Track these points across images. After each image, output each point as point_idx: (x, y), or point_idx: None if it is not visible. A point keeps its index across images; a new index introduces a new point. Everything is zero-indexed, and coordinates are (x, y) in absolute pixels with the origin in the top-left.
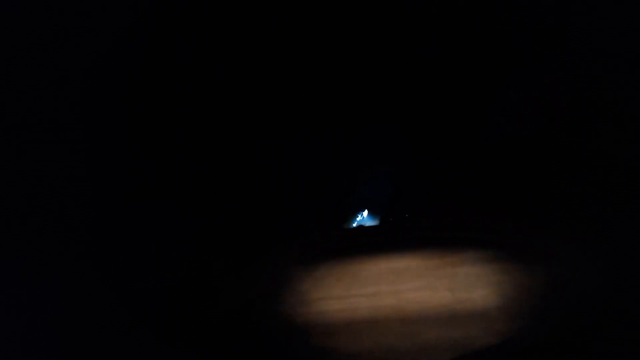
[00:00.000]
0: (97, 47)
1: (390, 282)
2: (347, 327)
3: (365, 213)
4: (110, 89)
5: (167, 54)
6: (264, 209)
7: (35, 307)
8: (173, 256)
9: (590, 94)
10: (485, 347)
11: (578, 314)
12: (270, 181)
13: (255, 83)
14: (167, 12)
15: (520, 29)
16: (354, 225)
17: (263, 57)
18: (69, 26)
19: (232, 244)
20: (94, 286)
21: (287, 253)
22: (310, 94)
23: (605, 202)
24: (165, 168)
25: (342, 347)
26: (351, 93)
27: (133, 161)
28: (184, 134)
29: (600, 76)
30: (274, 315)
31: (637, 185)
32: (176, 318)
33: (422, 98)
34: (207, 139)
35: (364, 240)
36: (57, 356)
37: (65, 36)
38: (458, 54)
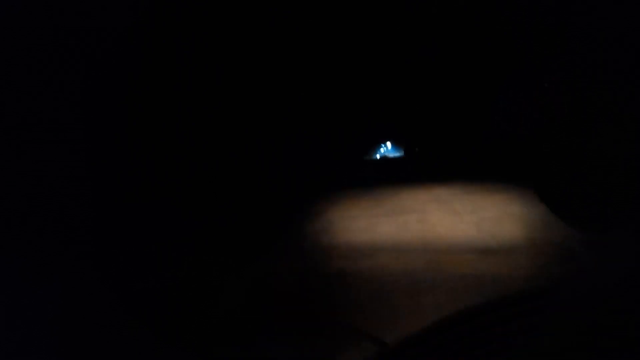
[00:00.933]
0: (97, 47)
1: (417, 211)
2: (372, 255)
3: (389, 144)
4: (110, 89)
5: (167, 54)
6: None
7: (35, 307)
8: (173, 256)
9: (590, 94)
10: (510, 282)
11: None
12: (271, 176)
13: (255, 83)
14: (167, 12)
15: (520, 29)
16: (377, 156)
17: (263, 57)
18: (69, 26)
19: (232, 243)
20: (94, 286)
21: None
22: (309, 93)
23: (605, 202)
24: (165, 168)
25: (367, 275)
26: (351, 93)
27: (133, 161)
28: (184, 134)
29: (600, 76)
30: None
31: (637, 185)
32: (176, 318)
33: (422, 98)
34: (207, 139)
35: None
36: (57, 356)
37: (65, 36)
38: (458, 54)
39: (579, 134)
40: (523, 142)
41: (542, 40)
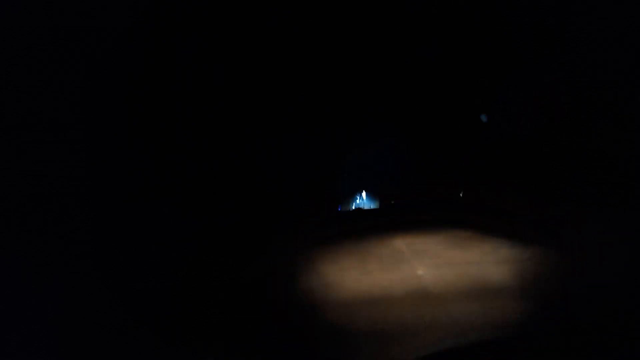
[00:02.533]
0: (97, 47)
1: (405, 260)
2: (365, 305)
3: (364, 194)
4: (110, 89)
5: (167, 54)
6: (262, 205)
7: (35, 307)
8: (173, 256)
9: (590, 94)
10: (502, 325)
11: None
12: (269, 177)
13: (255, 83)
14: (167, 12)
15: (520, 29)
16: (353, 207)
17: (263, 57)
18: (69, 26)
19: (232, 243)
20: (94, 286)
21: (293, 238)
22: (308, 93)
23: (605, 202)
24: (165, 168)
25: (360, 325)
26: (351, 93)
27: (133, 161)
28: (184, 134)
29: (600, 76)
30: (288, 293)
31: (637, 185)
32: (176, 318)
33: (422, 98)
34: (207, 139)
35: (369, 222)
36: (57, 356)
37: (65, 36)
38: (458, 54)
39: (579, 134)
40: (523, 142)
41: (542, 40)
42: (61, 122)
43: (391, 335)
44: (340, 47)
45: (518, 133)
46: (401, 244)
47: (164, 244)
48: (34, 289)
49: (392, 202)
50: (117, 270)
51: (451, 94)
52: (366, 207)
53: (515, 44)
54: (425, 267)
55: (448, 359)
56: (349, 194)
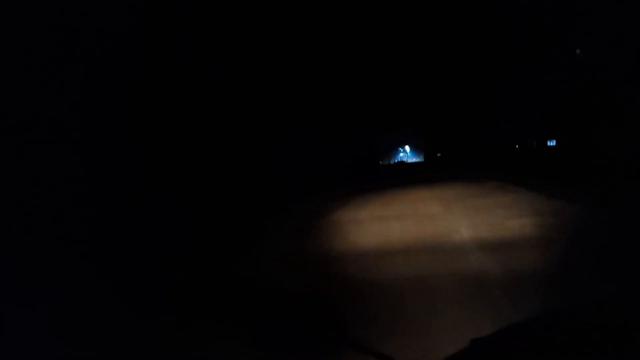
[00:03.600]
0: (97, 48)
1: (422, 208)
2: (379, 253)
3: (407, 148)
4: (110, 89)
5: (167, 54)
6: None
7: (35, 307)
8: (173, 256)
9: (590, 94)
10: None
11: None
12: (273, 175)
13: (256, 83)
14: (167, 12)
15: (520, 29)
16: (396, 160)
17: (263, 57)
18: (69, 27)
19: (233, 232)
20: (94, 286)
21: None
22: (308, 93)
23: (605, 203)
24: (165, 168)
25: (373, 273)
26: (350, 94)
27: (133, 161)
28: (184, 134)
29: (600, 76)
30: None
31: (637, 185)
32: (176, 318)
33: (421, 98)
34: (207, 139)
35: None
36: (57, 356)
37: (65, 36)
38: (458, 54)
39: (579, 134)
40: (522, 142)
41: (542, 40)
42: (61, 122)
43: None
44: (339, 47)
45: (518, 133)
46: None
47: (163, 244)
48: (34, 289)
49: (438, 154)
50: (117, 270)
51: (450, 94)
52: (409, 160)
53: (515, 44)
54: None
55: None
56: (391, 147)
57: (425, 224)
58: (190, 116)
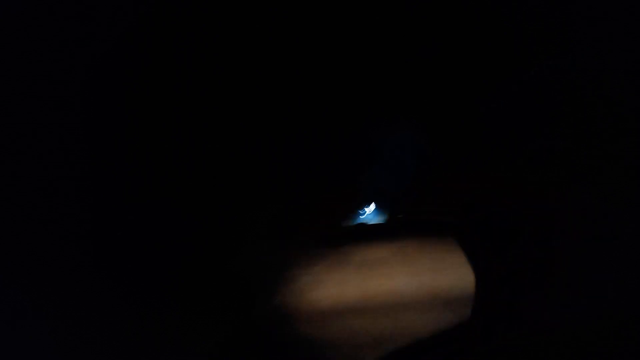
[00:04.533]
0: (97, 48)
1: (373, 271)
2: (335, 314)
3: (372, 207)
4: (110, 89)
5: (167, 55)
6: (263, 207)
7: (35, 307)
8: (173, 256)
9: (590, 94)
10: (461, 332)
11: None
12: (272, 179)
13: (256, 83)
14: (167, 12)
15: (520, 29)
16: (357, 221)
17: (263, 57)
18: (69, 27)
19: (231, 244)
20: (94, 286)
21: (286, 246)
22: (308, 92)
23: (605, 203)
24: (165, 168)
25: (329, 333)
26: (350, 93)
27: (133, 161)
28: (184, 134)
29: (600, 76)
30: (274, 307)
31: (637, 185)
32: (176, 318)
33: (421, 98)
34: (207, 139)
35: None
36: (57, 356)
37: (65, 36)
38: (457, 54)
39: (579, 134)
40: (522, 142)
41: (542, 40)
42: (61, 122)
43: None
44: (338, 47)
45: (517, 133)
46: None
47: (163, 244)
48: (34, 289)
49: (400, 216)
50: (117, 270)
51: (450, 94)
52: (371, 221)
53: (515, 44)
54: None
55: None
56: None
57: None
58: (190, 117)
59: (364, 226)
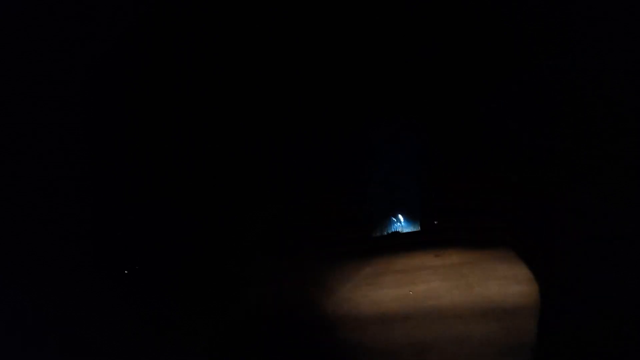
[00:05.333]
0: (97, 49)
1: (421, 280)
2: (379, 321)
3: (401, 218)
4: (110, 89)
5: (167, 55)
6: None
7: (35, 307)
8: (173, 256)
9: (590, 94)
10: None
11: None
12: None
13: (256, 83)
14: (167, 13)
15: (520, 29)
16: (390, 231)
17: (263, 57)
18: (70, 28)
19: (230, 244)
20: (93, 286)
21: (314, 254)
22: (313, 96)
23: (605, 203)
24: (165, 168)
25: (372, 341)
26: (350, 94)
27: (133, 161)
28: (184, 134)
29: (600, 76)
30: (304, 309)
31: (637, 185)
32: (177, 318)
33: (421, 98)
34: (211, 139)
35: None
36: (57, 356)
37: (65, 37)
38: (457, 54)
39: (579, 134)
40: (522, 142)
41: (542, 40)
42: (61, 122)
43: None
44: (339, 47)
45: (517, 133)
46: None
47: (163, 244)
48: (34, 289)
49: (435, 222)
50: (117, 270)
51: (450, 94)
52: (404, 230)
53: (515, 44)
54: None
55: None
56: (383, 216)
57: None
58: (189, 117)
59: (398, 234)
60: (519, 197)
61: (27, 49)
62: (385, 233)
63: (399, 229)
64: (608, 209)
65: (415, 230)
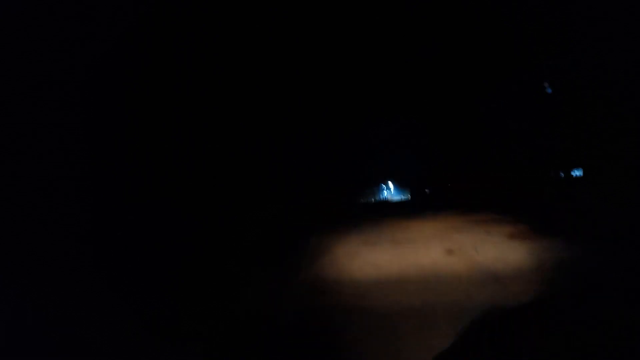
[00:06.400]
0: (97, 49)
1: (420, 244)
2: (376, 287)
3: (391, 185)
4: (110, 89)
5: (167, 55)
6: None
7: (35, 307)
8: (173, 256)
9: (590, 94)
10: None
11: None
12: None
13: (256, 83)
14: (166, 13)
15: (520, 29)
16: (380, 198)
17: (263, 57)
18: (70, 27)
19: (230, 244)
20: (94, 286)
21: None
22: (313, 96)
23: (605, 203)
24: (165, 168)
25: (371, 307)
26: (350, 94)
27: (133, 161)
28: (184, 134)
29: (600, 76)
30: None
31: (637, 185)
32: (177, 318)
33: (421, 98)
34: (211, 139)
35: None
36: (57, 356)
37: (65, 37)
38: (458, 54)
39: (579, 134)
40: (522, 142)
41: (542, 40)
42: (61, 122)
43: None
44: (339, 47)
45: (517, 133)
46: None
47: (163, 244)
48: (34, 289)
49: (426, 190)
50: (117, 270)
51: (450, 95)
52: (394, 198)
53: (515, 44)
54: None
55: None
56: (373, 184)
57: None
58: (189, 117)
59: (387, 203)
60: (519, 196)
61: (27, 49)
62: (374, 200)
63: (390, 197)
64: (608, 209)
65: (406, 198)
